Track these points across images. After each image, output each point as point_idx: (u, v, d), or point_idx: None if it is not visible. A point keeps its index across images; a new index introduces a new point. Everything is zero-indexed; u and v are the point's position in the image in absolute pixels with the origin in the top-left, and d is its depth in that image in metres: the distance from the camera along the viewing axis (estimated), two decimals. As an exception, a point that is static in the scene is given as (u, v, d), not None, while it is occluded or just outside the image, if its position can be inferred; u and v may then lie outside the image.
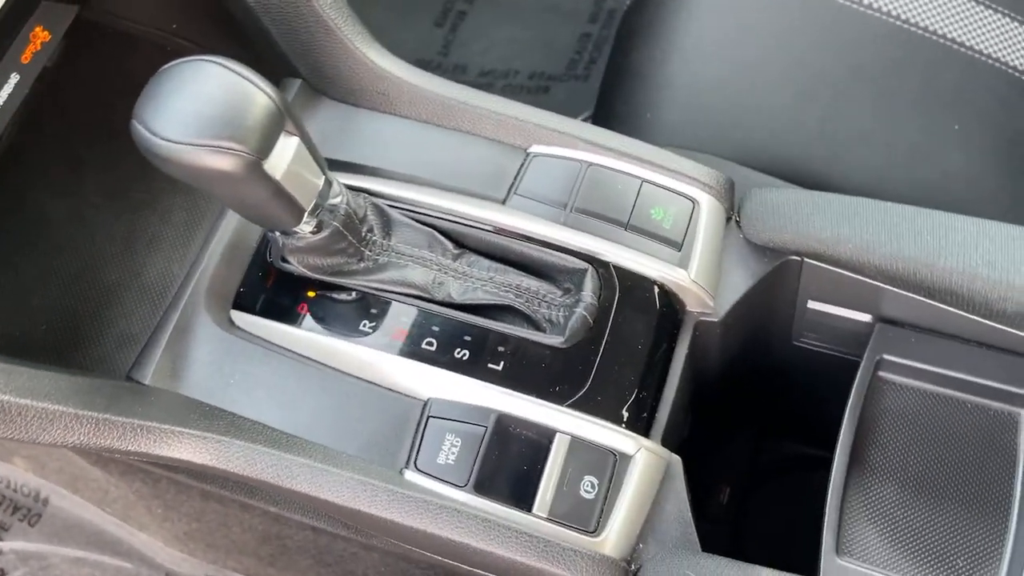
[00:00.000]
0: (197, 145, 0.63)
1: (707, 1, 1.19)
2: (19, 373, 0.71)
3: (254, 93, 0.65)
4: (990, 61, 1.15)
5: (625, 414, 0.79)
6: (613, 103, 1.22)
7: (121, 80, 0.74)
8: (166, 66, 0.66)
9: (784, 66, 1.14)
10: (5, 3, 0.70)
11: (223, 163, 0.64)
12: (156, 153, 0.64)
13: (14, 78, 0.74)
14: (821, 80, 1.13)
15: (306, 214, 0.74)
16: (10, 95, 0.74)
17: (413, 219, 0.84)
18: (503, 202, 0.86)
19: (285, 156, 0.69)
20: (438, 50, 1.76)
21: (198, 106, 0.64)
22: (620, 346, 0.81)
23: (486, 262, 0.83)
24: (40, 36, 0.75)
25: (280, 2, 0.86)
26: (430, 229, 0.84)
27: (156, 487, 1.22)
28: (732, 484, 1.22)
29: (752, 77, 1.15)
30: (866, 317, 0.90)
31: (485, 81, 1.72)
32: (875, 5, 1.15)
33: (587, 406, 0.78)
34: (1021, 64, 1.15)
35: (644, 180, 0.86)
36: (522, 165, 0.87)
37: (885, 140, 1.11)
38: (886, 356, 0.88)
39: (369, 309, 0.82)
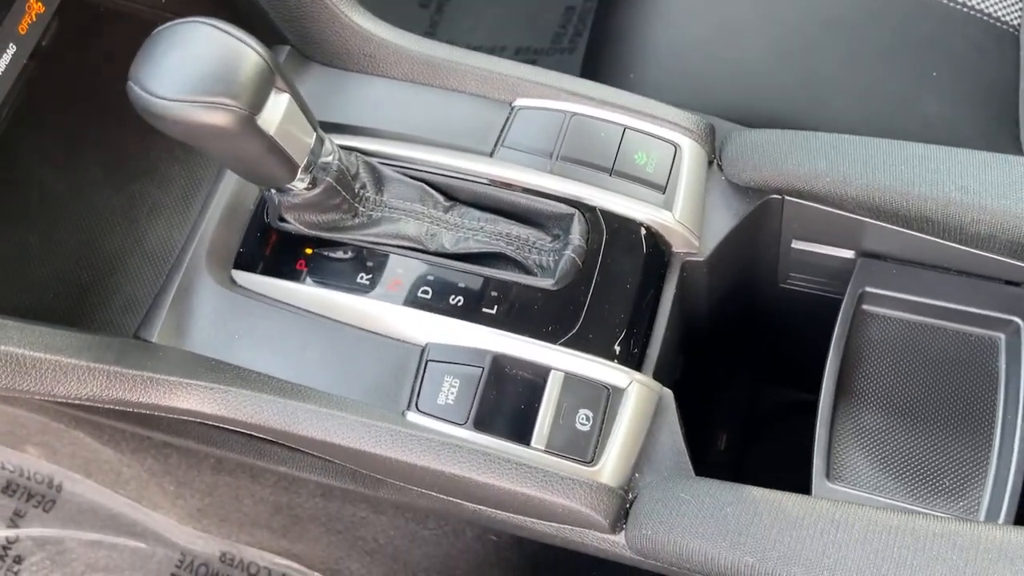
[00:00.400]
0: (192, 102, 0.65)
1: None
2: (32, 330, 0.74)
3: (245, 51, 0.68)
4: (965, 9, 1.16)
5: (617, 349, 0.82)
6: (598, 65, 1.24)
7: (114, 57, 0.76)
8: (159, 28, 0.69)
9: (762, 22, 1.16)
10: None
11: (217, 118, 0.66)
12: (152, 112, 0.66)
13: (11, 48, 0.76)
14: (799, 35, 1.15)
15: (300, 170, 0.76)
16: (8, 65, 0.76)
17: (404, 174, 0.86)
18: (490, 154, 0.88)
19: (277, 111, 0.71)
20: (425, 30, 1.78)
21: (191, 64, 0.66)
22: (609, 286, 0.83)
23: (477, 212, 0.86)
24: (35, 7, 0.77)
25: (266, -29, 0.89)
26: (421, 183, 0.86)
27: (167, 463, 1.24)
28: (729, 431, 1.24)
29: (732, 34, 1.17)
30: (849, 253, 0.93)
31: (472, 58, 1.74)
32: (849, -42, 1.17)
33: (579, 344, 0.81)
34: (996, 12, 1.17)
35: (627, 127, 0.88)
36: (507, 118, 0.89)
37: (864, 91, 1.13)
38: (868, 289, 0.90)
39: (366, 263, 0.85)
